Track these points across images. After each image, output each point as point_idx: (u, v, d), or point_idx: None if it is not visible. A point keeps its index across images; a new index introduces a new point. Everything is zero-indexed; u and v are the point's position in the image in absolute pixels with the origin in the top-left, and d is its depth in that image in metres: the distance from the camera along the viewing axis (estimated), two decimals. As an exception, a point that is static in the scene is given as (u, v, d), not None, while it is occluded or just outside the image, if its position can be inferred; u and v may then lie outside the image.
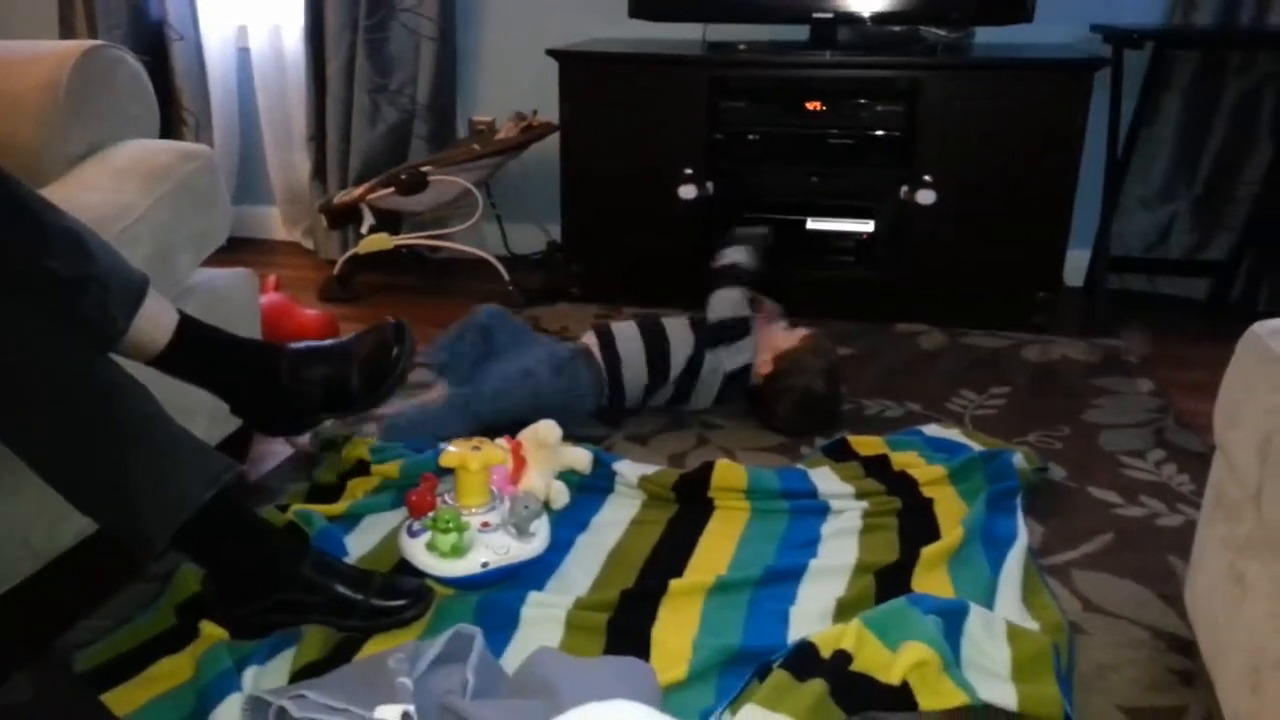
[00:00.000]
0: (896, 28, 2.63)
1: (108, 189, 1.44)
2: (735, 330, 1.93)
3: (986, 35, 2.63)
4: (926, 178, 2.37)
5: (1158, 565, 1.45)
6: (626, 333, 1.93)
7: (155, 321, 1.22)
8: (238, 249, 3.12)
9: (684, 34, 2.71)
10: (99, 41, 1.59)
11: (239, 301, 1.67)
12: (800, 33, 2.61)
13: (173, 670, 1.20)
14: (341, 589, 1.24)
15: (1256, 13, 2.47)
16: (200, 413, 1.46)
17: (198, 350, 1.25)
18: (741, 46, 2.54)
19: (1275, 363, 1.05)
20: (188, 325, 1.25)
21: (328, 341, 1.36)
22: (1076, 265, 2.69)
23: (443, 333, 1.94)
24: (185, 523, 1.14)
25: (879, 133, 2.42)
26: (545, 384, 1.82)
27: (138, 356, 1.24)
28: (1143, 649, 1.27)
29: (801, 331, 1.95)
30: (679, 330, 1.93)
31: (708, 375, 1.92)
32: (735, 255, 2.01)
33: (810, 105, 2.44)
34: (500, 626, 1.27)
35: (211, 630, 1.25)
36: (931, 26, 2.59)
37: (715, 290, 1.96)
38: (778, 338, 1.94)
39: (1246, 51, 2.51)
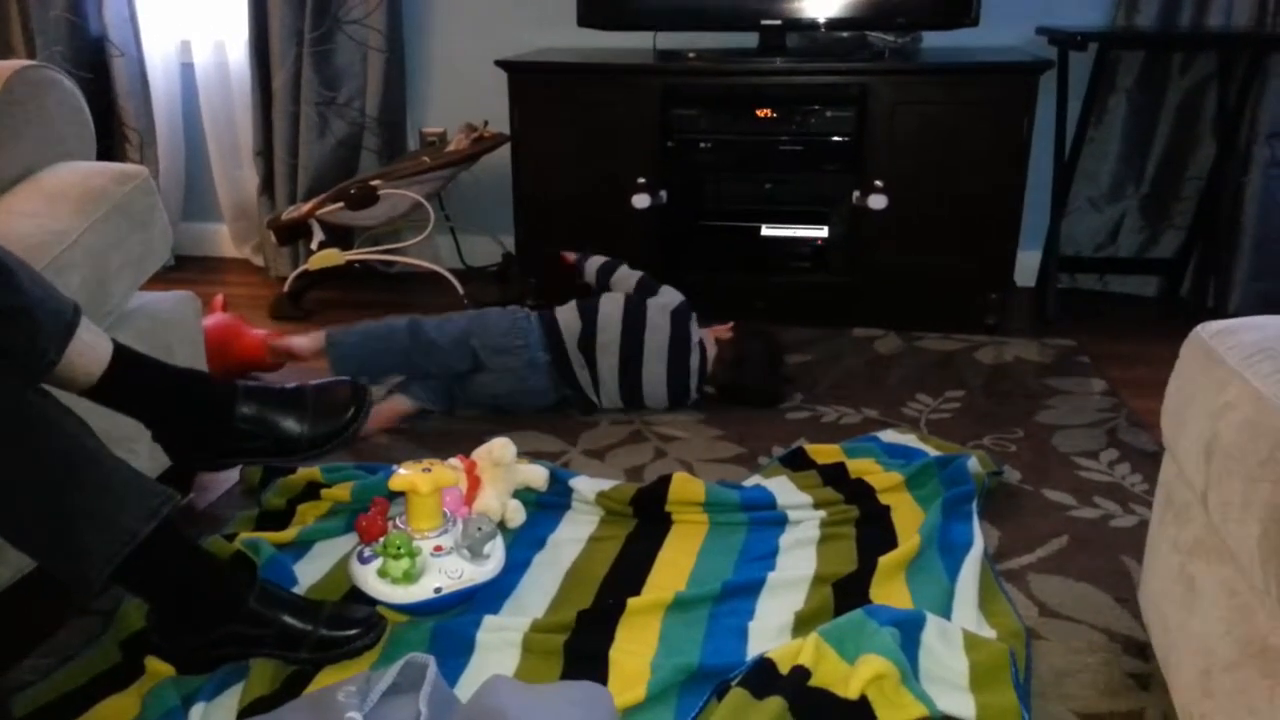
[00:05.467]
0: (844, 34, 2.64)
1: (39, 215, 1.40)
2: (654, 283, 2.09)
3: (934, 40, 2.65)
4: (878, 183, 2.38)
5: (1112, 567, 1.46)
6: (565, 307, 2.05)
7: (88, 352, 1.18)
8: (186, 268, 3.08)
9: (633, 43, 2.70)
10: (30, 61, 1.54)
11: (181, 325, 1.63)
12: (749, 40, 2.61)
13: (118, 709, 1.17)
14: (289, 620, 1.21)
15: (1196, 14, 2.51)
16: (142, 441, 1.42)
17: (133, 382, 1.22)
18: (691, 55, 2.54)
19: (1218, 365, 1.06)
20: (122, 356, 1.21)
21: (280, 386, 1.32)
22: (1028, 266, 2.72)
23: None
24: (126, 557, 1.11)
25: (830, 138, 2.43)
26: (494, 315, 2.00)
27: (71, 388, 1.20)
28: (1099, 653, 1.27)
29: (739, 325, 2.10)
30: (610, 295, 2.08)
31: (654, 314, 2.00)
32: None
33: (761, 112, 2.44)
34: (455, 653, 1.25)
35: (157, 666, 1.22)
36: (879, 32, 2.60)
37: (610, 276, 2.16)
38: (717, 331, 2.09)
39: (1188, 52, 2.55)
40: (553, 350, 1.96)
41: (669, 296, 2.06)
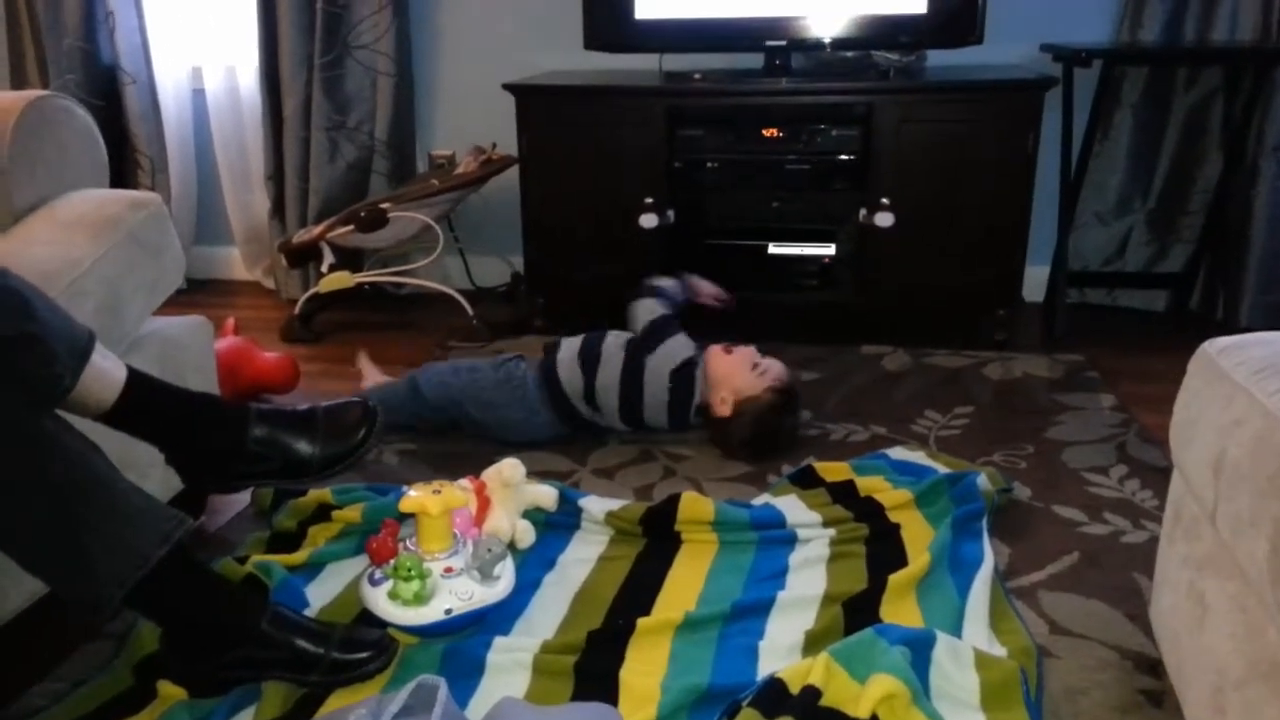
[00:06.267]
0: (849, 53, 2.65)
1: (54, 242, 1.42)
2: (663, 330, 1.97)
3: (938, 58, 2.66)
4: (884, 200, 2.38)
5: (1124, 584, 1.45)
6: (568, 343, 2.00)
7: (103, 378, 1.20)
8: (198, 291, 3.11)
9: (639, 64, 2.72)
10: (44, 92, 1.57)
11: (193, 350, 1.65)
12: (755, 60, 2.63)
13: (131, 733, 1.17)
14: (302, 643, 1.22)
15: (1200, 29, 2.52)
16: (155, 465, 1.43)
17: (147, 406, 1.23)
18: (697, 75, 2.56)
19: (1225, 381, 1.06)
20: (136, 381, 1.23)
21: (292, 408, 1.33)
22: (1037, 281, 2.72)
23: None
24: (138, 581, 1.12)
25: (836, 157, 2.44)
26: (485, 373, 1.96)
27: (86, 413, 1.21)
28: (1111, 670, 1.27)
29: (763, 367, 1.92)
30: (614, 340, 1.98)
31: (651, 379, 1.92)
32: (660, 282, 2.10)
33: (767, 132, 2.46)
34: (466, 674, 1.25)
35: (169, 690, 1.22)
36: (884, 51, 2.62)
37: (637, 299, 2.05)
38: (738, 375, 1.91)
39: (1192, 67, 2.56)
40: (553, 401, 1.94)
41: (672, 352, 1.93)
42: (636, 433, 1.99)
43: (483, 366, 1.99)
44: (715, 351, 1.96)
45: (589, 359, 1.95)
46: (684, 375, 1.92)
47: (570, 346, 1.99)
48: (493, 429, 1.95)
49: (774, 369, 1.93)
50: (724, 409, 1.89)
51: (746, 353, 1.95)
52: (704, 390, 1.93)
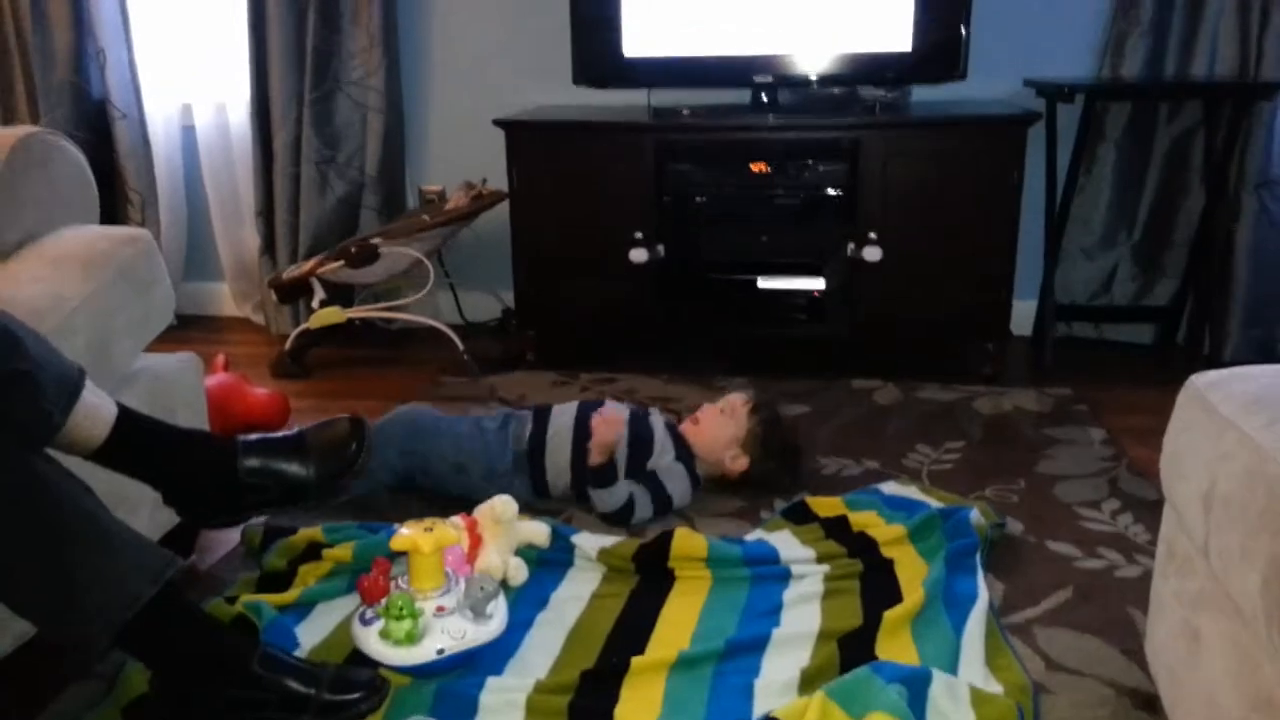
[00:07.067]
0: (835, 89, 2.68)
1: (44, 279, 1.41)
2: (603, 476, 1.79)
3: (923, 94, 2.69)
4: (872, 235, 2.40)
5: (1119, 618, 1.45)
6: (559, 430, 1.86)
7: (93, 415, 1.19)
8: (188, 327, 3.09)
9: (627, 100, 2.75)
10: (34, 128, 1.57)
11: (184, 387, 1.64)
12: (742, 96, 2.66)
13: (118, 777, 1.16)
14: (292, 684, 1.20)
15: (1180, 64, 2.56)
16: (145, 504, 1.42)
17: (137, 443, 1.22)
18: (685, 111, 2.58)
19: (1213, 415, 1.07)
20: (127, 418, 1.22)
21: (281, 433, 1.33)
22: (1024, 315, 2.74)
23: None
24: (128, 621, 1.11)
25: (823, 191, 2.46)
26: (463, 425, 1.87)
27: (76, 451, 1.20)
28: (1107, 706, 1.26)
29: (726, 407, 1.88)
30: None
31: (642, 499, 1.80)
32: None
33: (755, 167, 2.48)
34: (458, 714, 1.24)
35: (158, 733, 1.20)
36: (869, 86, 2.65)
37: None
38: (721, 427, 1.86)
39: (1174, 101, 2.60)
40: (534, 491, 1.85)
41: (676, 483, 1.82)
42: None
43: (483, 423, 1.89)
44: (688, 429, 1.89)
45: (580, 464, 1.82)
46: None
47: (560, 434, 1.85)
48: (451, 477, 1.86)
49: (732, 400, 1.90)
50: (739, 463, 1.86)
51: (707, 410, 1.90)
52: (707, 469, 1.88)
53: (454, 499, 1.78)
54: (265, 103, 2.90)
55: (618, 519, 1.77)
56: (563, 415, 1.88)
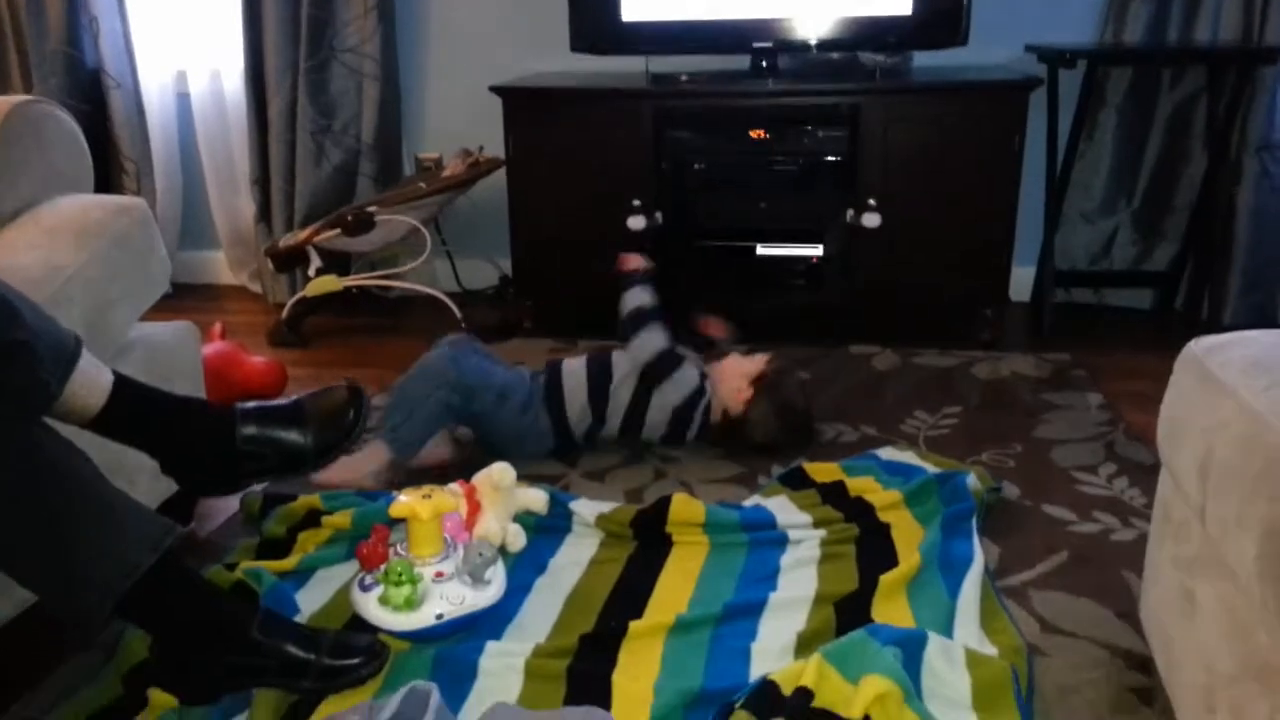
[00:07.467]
0: (835, 54, 2.66)
1: (39, 248, 1.41)
2: (669, 364, 1.93)
3: (924, 59, 2.66)
4: (871, 201, 2.39)
5: (1114, 582, 1.46)
6: (573, 370, 1.95)
7: (89, 384, 1.19)
8: (184, 296, 3.09)
9: (626, 67, 2.72)
10: (27, 97, 1.56)
11: (180, 356, 1.64)
12: (741, 62, 2.63)
13: (121, 743, 1.17)
14: (292, 649, 1.21)
15: (1183, 29, 2.53)
16: (143, 472, 1.42)
17: (134, 412, 1.22)
18: (684, 77, 2.56)
19: (1211, 381, 1.06)
20: (124, 386, 1.22)
21: (278, 401, 1.33)
22: (1023, 281, 2.73)
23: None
24: (128, 589, 1.11)
25: (823, 158, 2.44)
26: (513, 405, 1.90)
27: (73, 420, 1.20)
28: (1102, 668, 1.27)
29: (760, 357, 1.95)
30: (623, 366, 1.94)
31: (654, 414, 1.92)
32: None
33: (754, 133, 2.46)
34: (458, 679, 1.25)
35: (160, 698, 1.21)
36: (870, 52, 2.62)
37: (635, 332, 1.95)
38: (742, 365, 1.94)
39: (1176, 67, 2.57)
40: (552, 419, 1.93)
41: (679, 387, 1.92)
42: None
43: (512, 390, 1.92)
44: (711, 361, 1.99)
45: (598, 401, 1.93)
46: (685, 413, 1.93)
47: (575, 374, 1.95)
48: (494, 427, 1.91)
49: (759, 355, 1.96)
50: (744, 394, 1.89)
51: (733, 354, 1.99)
52: (716, 404, 1.93)
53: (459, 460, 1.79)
54: (260, 70, 2.88)
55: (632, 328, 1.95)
56: (574, 363, 1.97)
